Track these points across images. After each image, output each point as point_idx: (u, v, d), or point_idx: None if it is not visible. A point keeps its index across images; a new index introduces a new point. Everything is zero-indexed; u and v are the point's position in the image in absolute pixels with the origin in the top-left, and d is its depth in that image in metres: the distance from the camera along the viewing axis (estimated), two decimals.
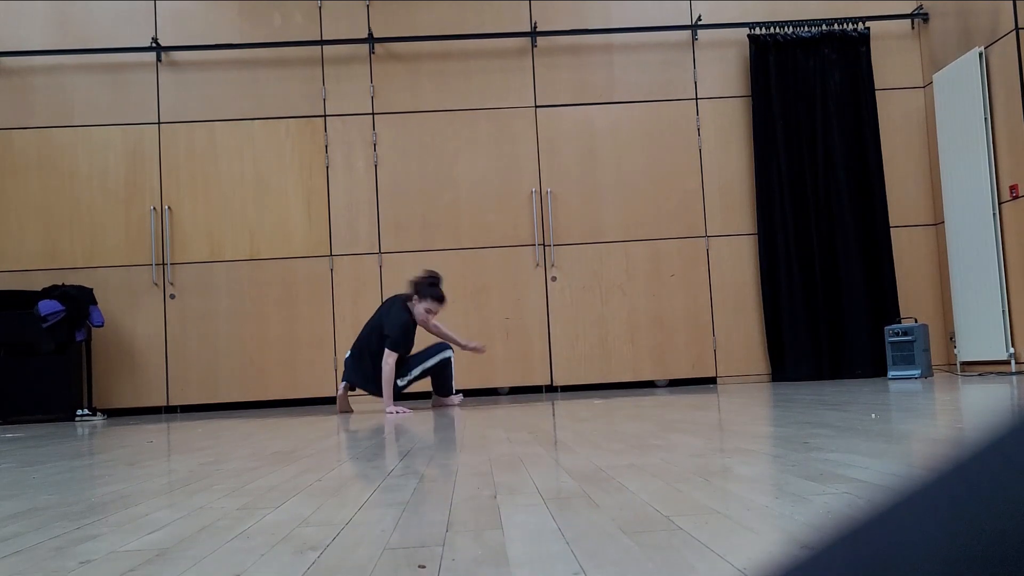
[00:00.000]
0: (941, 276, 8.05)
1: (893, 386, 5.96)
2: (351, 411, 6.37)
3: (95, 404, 7.73)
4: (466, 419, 4.73)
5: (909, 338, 7.12)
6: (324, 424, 4.94)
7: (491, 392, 7.93)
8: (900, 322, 7.62)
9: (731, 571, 1.11)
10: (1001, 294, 7.03)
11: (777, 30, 8.12)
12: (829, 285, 7.97)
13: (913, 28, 8.26)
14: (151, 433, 4.94)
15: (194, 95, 8.04)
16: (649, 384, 7.97)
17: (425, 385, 6.62)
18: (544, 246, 7.99)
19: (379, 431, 4.18)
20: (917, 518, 0.34)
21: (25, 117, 7.97)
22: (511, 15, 8.16)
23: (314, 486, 2.17)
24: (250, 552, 1.39)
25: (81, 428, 5.95)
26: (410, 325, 6.01)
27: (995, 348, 7.11)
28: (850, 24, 8.12)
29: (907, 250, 8.10)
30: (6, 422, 7.16)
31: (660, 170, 8.07)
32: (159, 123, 8.01)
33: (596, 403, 5.66)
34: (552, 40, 8.17)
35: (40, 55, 7.94)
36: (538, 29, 8.11)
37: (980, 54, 7.17)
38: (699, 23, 8.11)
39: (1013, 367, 6.95)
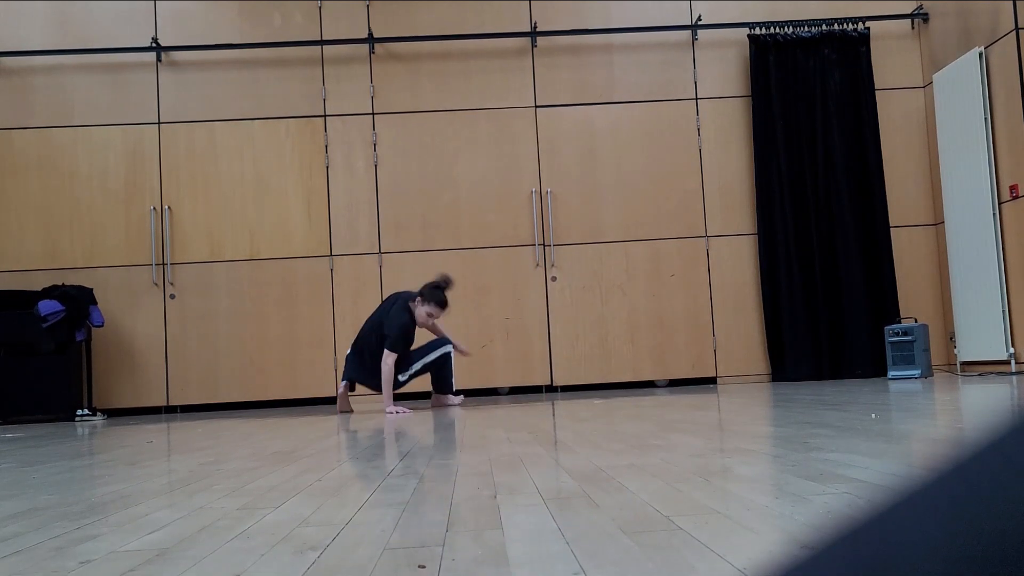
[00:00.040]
0: (941, 276, 8.05)
1: (893, 386, 5.96)
2: (351, 411, 6.37)
3: (95, 404, 7.73)
4: (466, 419, 4.73)
5: (909, 338, 7.12)
6: (324, 424, 4.94)
7: (491, 392, 7.93)
8: (900, 322, 7.62)
9: (731, 571, 1.11)
10: (1001, 294, 7.03)
11: (777, 30, 8.12)
12: (829, 285, 7.97)
13: (913, 28, 8.26)
14: (151, 433, 4.94)
15: (194, 95, 8.04)
16: (649, 384, 7.97)
17: (425, 384, 6.62)
18: (544, 246, 7.99)
19: (379, 431, 4.18)
20: (917, 518, 0.34)
21: (25, 117, 7.97)
22: (511, 15, 8.16)
23: (314, 486, 2.17)
24: (250, 552, 1.39)
25: (81, 428, 5.95)
26: (410, 326, 6.02)
27: (995, 348, 7.11)
28: (850, 24, 8.12)
29: (907, 250, 8.10)
30: (6, 422, 7.16)
31: (660, 170, 8.07)
32: (159, 123, 8.01)
33: (596, 403, 5.66)
34: (552, 40, 8.17)
35: (40, 55, 7.94)
36: (538, 29, 8.11)
37: (980, 54, 7.17)
38: (699, 23, 8.11)
39: (1013, 367, 6.95)
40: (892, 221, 8.05)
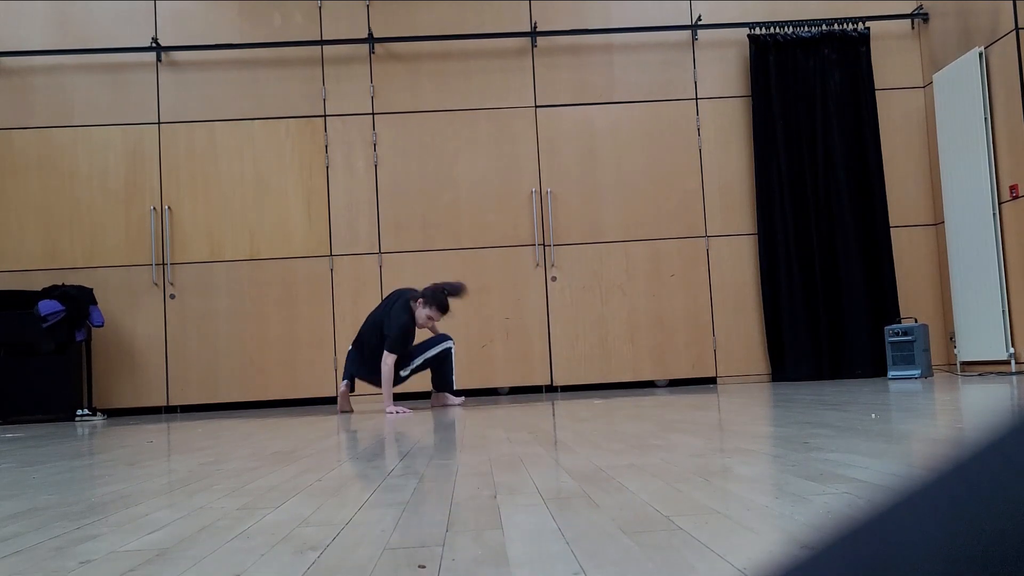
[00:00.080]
0: (941, 276, 8.05)
1: (893, 386, 5.96)
2: (351, 411, 6.37)
3: (95, 404, 7.73)
4: (466, 419, 4.73)
5: (909, 338, 7.12)
6: (324, 424, 4.94)
7: (491, 392, 7.93)
8: (900, 322, 7.62)
9: (731, 571, 1.11)
10: (1001, 294, 7.03)
11: (777, 30, 8.12)
12: (829, 285, 7.97)
13: (913, 28, 8.26)
14: (151, 433, 4.94)
15: (194, 95, 8.04)
16: (649, 384, 7.97)
17: (425, 384, 6.62)
18: (544, 246, 7.99)
19: (379, 431, 4.18)
20: (917, 518, 0.34)
21: (25, 117, 7.97)
22: (511, 15, 8.16)
23: (314, 486, 2.17)
24: (250, 552, 1.39)
25: (81, 428, 5.95)
26: (410, 327, 6.01)
27: (995, 348, 7.11)
28: (850, 24, 8.12)
29: (907, 250, 8.10)
30: (6, 422, 7.16)
31: (660, 170, 8.07)
32: (159, 123, 8.01)
33: (596, 403, 5.66)
34: (552, 40, 8.17)
35: (40, 55, 7.94)
36: (538, 29, 8.11)
37: (980, 54, 7.17)
38: (699, 23, 8.11)
39: (1013, 367, 6.95)
40: (892, 221, 8.05)
